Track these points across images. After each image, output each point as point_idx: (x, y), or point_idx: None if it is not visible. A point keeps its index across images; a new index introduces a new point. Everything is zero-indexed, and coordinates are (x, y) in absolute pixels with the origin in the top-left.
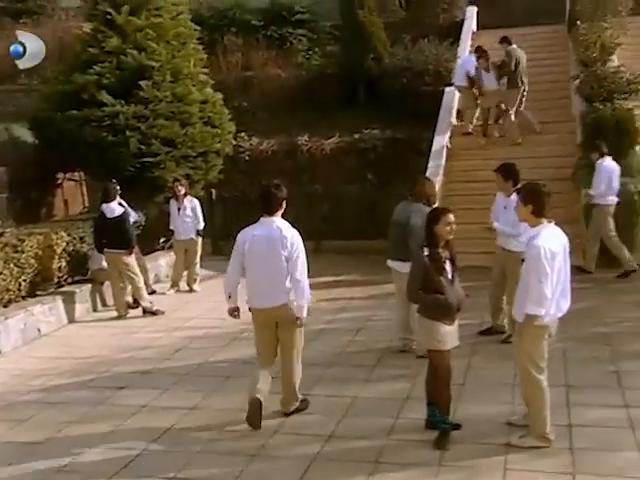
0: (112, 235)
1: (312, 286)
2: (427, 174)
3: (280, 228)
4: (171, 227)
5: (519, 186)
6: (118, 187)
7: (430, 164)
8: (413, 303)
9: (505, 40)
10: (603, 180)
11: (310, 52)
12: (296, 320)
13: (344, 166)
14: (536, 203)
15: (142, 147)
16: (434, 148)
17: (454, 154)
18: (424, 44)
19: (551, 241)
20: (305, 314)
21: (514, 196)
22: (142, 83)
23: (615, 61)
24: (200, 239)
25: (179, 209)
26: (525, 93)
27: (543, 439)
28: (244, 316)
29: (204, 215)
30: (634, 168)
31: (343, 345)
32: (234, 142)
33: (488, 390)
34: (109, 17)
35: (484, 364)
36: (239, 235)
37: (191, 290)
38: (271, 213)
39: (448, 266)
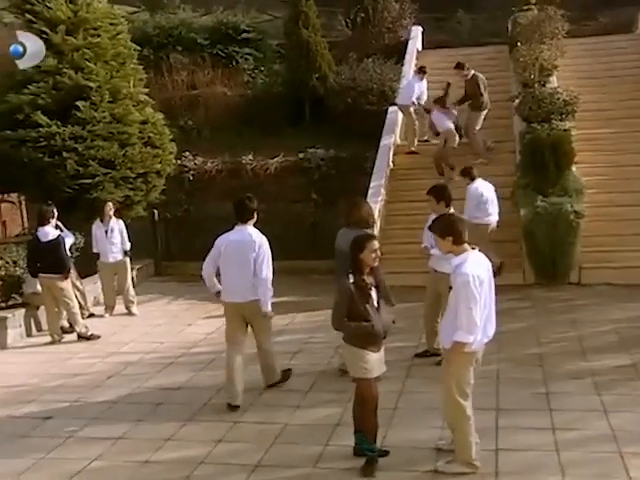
0: (46, 259)
1: None
2: (369, 193)
3: (251, 234)
4: (95, 250)
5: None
6: (55, 209)
7: (372, 184)
8: (338, 331)
9: (460, 66)
10: (472, 202)
11: (256, 71)
12: (263, 314)
13: (289, 186)
14: (454, 233)
15: (79, 168)
16: (376, 168)
17: (397, 174)
18: (369, 63)
19: (478, 267)
20: (270, 308)
21: None
22: (79, 103)
23: (554, 82)
24: (128, 260)
25: (106, 231)
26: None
27: (469, 465)
28: (182, 340)
29: (129, 236)
30: (570, 188)
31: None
32: (178, 162)
33: (420, 415)
34: (45, 36)
35: (418, 388)
36: (217, 240)
37: (130, 313)
38: (244, 221)
39: (374, 293)
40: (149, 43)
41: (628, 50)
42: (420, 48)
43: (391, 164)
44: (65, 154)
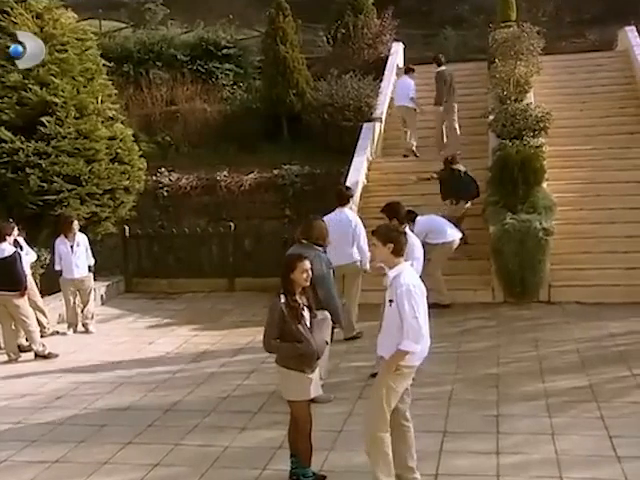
0: (1, 276)
1: (214, 327)
2: None
3: (347, 215)
4: (58, 267)
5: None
6: (15, 226)
7: None
8: (269, 352)
9: (435, 59)
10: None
11: (235, 87)
12: (362, 272)
13: (263, 202)
14: (396, 243)
15: (43, 185)
16: (348, 183)
17: (370, 190)
18: (347, 79)
19: (415, 278)
20: (368, 267)
21: None
22: (44, 119)
23: (531, 99)
24: (92, 275)
25: (72, 246)
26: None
27: None
28: (140, 359)
29: (99, 252)
30: (539, 204)
31: (230, 389)
32: (153, 178)
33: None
34: None
35: None
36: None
37: (87, 331)
38: (343, 205)
39: (306, 313)
40: (130, 59)
41: (608, 67)
42: (401, 64)
43: (364, 180)
44: (28, 170)
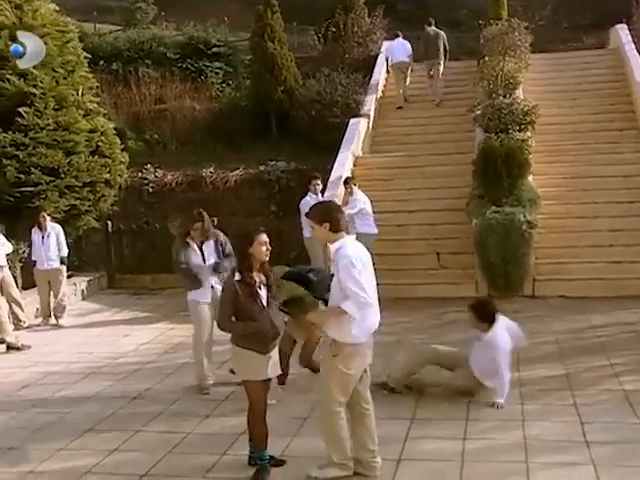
0: None
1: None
2: None
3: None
4: (34, 258)
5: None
6: None
7: (326, 194)
8: (223, 331)
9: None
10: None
11: (224, 85)
12: None
13: (248, 198)
14: (331, 219)
15: (21, 176)
16: (331, 178)
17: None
18: (335, 77)
19: (358, 249)
20: None
21: None
22: (22, 110)
23: (520, 95)
24: (64, 267)
25: (43, 237)
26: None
27: (342, 466)
28: (112, 350)
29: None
30: (524, 198)
31: None
32: (139, 174)
33: None
34: None
35: None
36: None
37: (57, 324)
38: None
39: (263, 291)
40: (119, 57)
41: (598, 65)
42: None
43: (349, 176)
44: (5, 161)
